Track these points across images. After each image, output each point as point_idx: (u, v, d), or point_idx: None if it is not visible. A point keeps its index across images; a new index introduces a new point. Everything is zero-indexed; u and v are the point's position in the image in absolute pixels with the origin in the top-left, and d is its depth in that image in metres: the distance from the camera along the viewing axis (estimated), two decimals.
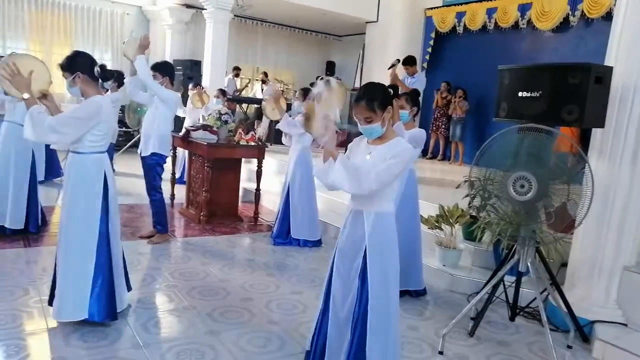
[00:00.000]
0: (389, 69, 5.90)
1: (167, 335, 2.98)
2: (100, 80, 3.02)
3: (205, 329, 3.05)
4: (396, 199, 3.66)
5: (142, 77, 4.36)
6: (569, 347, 3.21)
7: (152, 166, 4.58)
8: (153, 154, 4.53)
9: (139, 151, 4.68)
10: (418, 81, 6.61)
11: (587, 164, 2.81)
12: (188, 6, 10.81)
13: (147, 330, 2.98)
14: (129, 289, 3.31)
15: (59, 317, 2.91)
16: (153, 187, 4.61)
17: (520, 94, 3.31)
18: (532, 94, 3.24)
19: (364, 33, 10.96)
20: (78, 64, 2.92)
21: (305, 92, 5.09)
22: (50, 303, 3.03)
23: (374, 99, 2.20)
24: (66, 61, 2.92)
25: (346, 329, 2.32)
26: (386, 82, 4.65)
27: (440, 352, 3.01)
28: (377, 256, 2.27)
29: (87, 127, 2.82)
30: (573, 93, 3.04)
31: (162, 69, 4.62)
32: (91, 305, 2.87)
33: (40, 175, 5.72)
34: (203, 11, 9.32)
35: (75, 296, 2.87)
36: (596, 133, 3.43)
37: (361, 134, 2.33)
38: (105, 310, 2.93)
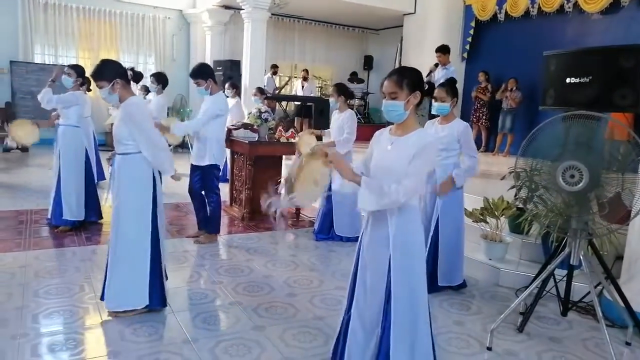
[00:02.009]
0: None
1: (214, 331, 3.04)
2: (132, 82, 3.24)
3: (251, 324, 3.11)
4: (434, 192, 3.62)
5: (194, 133, 4.57)
6: (628, 343, 3.07)
7: (210, 172, 4.62)
8: (210, 165, 4.56)
9: (192, 160, 4.68)
10: (454, 72, 6.53)
11: None
12: (226, 7, 10.99)
13: (195, 326, 3.06)
14: (166, 278, 3.44)
15: (118, 307, 3.05)
16: (211, 189, 4.67)
17: (568, 80, 3.18)
18: (582, 80, 3.10)
19: (402, 26, 10.80)
20: (114, 70, 2.99)
21: (339, 88, 5.01)
22: (103, 298, 3.16)
23: (406, 77, 2.14)
24: (100, 70, 2.97)
25: (370, 335, 2.23)
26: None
27: (489, 348, 2.94)
28: (402, 258, 2.15)
29: (152, 124, 3.07)
30: (626, 77, 2.89)
31: (202, 74, 4.46)
32: (149, 293, 3.07)
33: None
34: (241, 11, 9.45)
35: (134, 286, 3.04)
36: None
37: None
38: (159, 298, 3.14)
